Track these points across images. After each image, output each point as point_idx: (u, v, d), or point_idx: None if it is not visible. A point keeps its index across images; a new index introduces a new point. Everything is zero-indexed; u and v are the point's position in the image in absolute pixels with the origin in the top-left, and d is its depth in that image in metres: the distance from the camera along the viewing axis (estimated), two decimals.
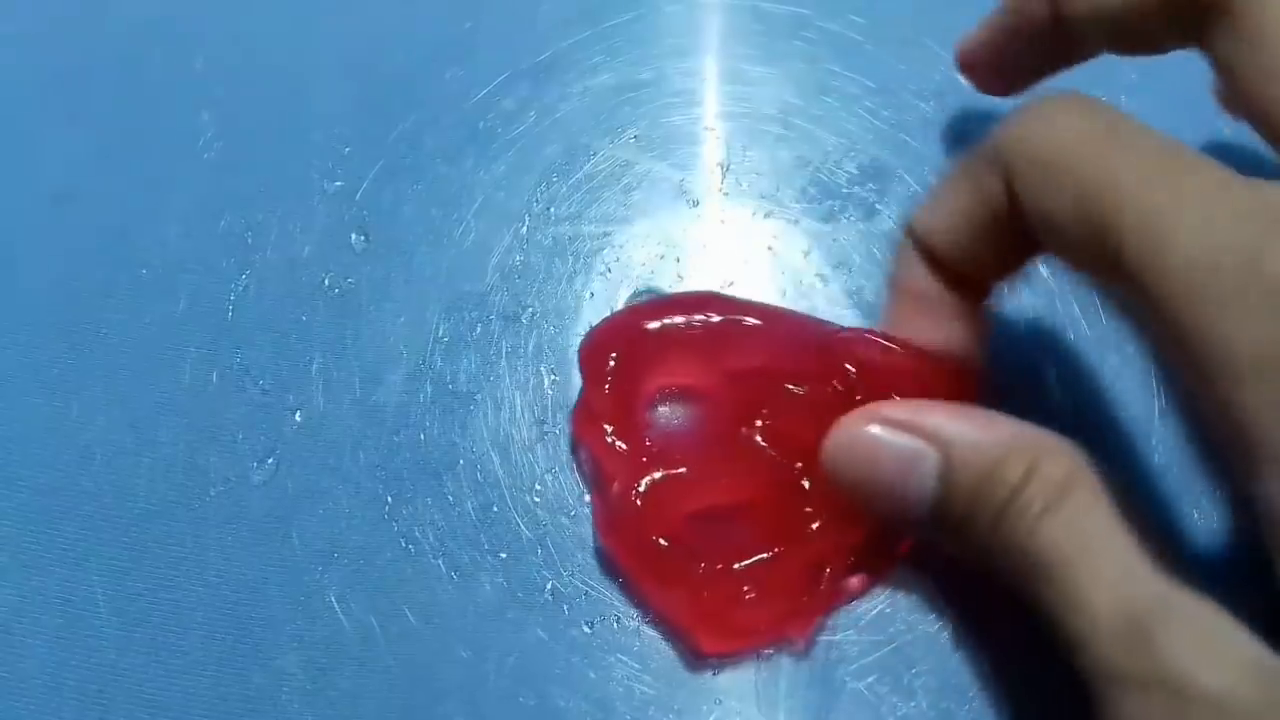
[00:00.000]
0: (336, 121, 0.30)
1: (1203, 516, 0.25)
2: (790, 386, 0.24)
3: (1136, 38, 0.23)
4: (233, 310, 0.28)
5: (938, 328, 0.23)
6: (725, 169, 0.30)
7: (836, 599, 0.25)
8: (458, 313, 0.28)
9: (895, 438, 0.22)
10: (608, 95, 0.30)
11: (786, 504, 0.24)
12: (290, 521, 0.26)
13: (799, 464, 0.24)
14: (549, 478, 0.26)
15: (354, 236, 0.29)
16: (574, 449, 0.26)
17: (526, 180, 0.29)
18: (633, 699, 0.24)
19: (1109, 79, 0.30)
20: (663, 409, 0.25)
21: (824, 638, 0.25)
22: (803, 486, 0.24)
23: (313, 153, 0.30)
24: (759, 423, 0.24)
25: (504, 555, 0.26)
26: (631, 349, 0.25)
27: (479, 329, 0.28)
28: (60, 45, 0.32)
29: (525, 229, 0.29)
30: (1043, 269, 0.28)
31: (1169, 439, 0.26)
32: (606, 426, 0.25)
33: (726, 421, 0.25)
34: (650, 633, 0.25)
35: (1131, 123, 0.20)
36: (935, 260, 0.23)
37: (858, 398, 0.23)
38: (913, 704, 0.24)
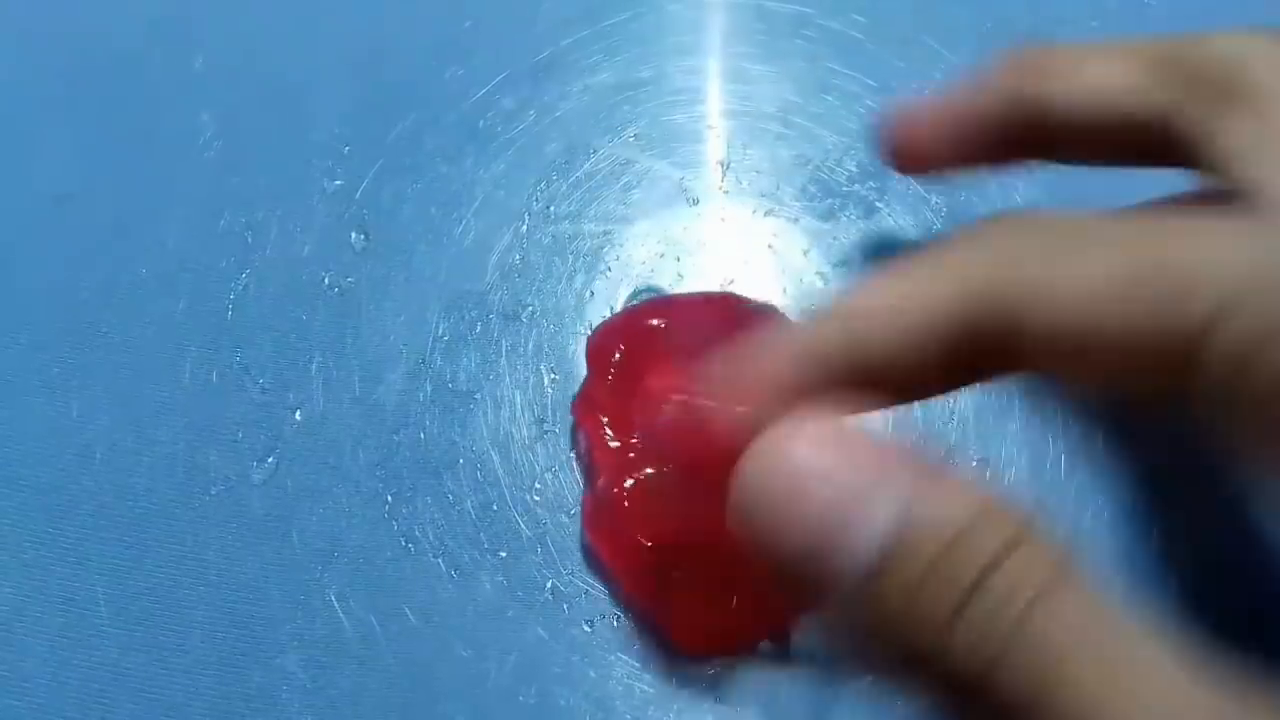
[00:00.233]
0: (336, 121, 0.30)
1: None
2: None
3: (1126, 146, 0.21)
4: (233, 310, 0.28)
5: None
6: (725, 167, 0.30)
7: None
8: (457, 311, 0.28)
9: (832, 468, 0.15)
10: (607, 94, 0.30)
11: None
12: (290, 520, 0.26)
13: None
14: (549, 476, 0.26)
15: (354, 235, 0.29)
16: (573, 438, 0.26)
17: (526, 179, 0.29)
18: (633, 698, 0.24)
19: None
20: (662, 410, 0.25)
21: (824, 638, 0.24)
22: None
23: (313, 152, 0.30)
24: None
25: (504, 554, 0.26)
26: (638, 346, 0.25)
27: (479, 328, 0.28)
28: (60, 45, 0.32)
29: (525, 228, 0.29)
30: None
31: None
32: (603, 418, 0.25)
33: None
34: (650, 632, 0.25)
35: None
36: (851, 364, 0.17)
37: None
38: (914, 703, 0.24)
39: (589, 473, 0.26)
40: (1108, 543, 0.25)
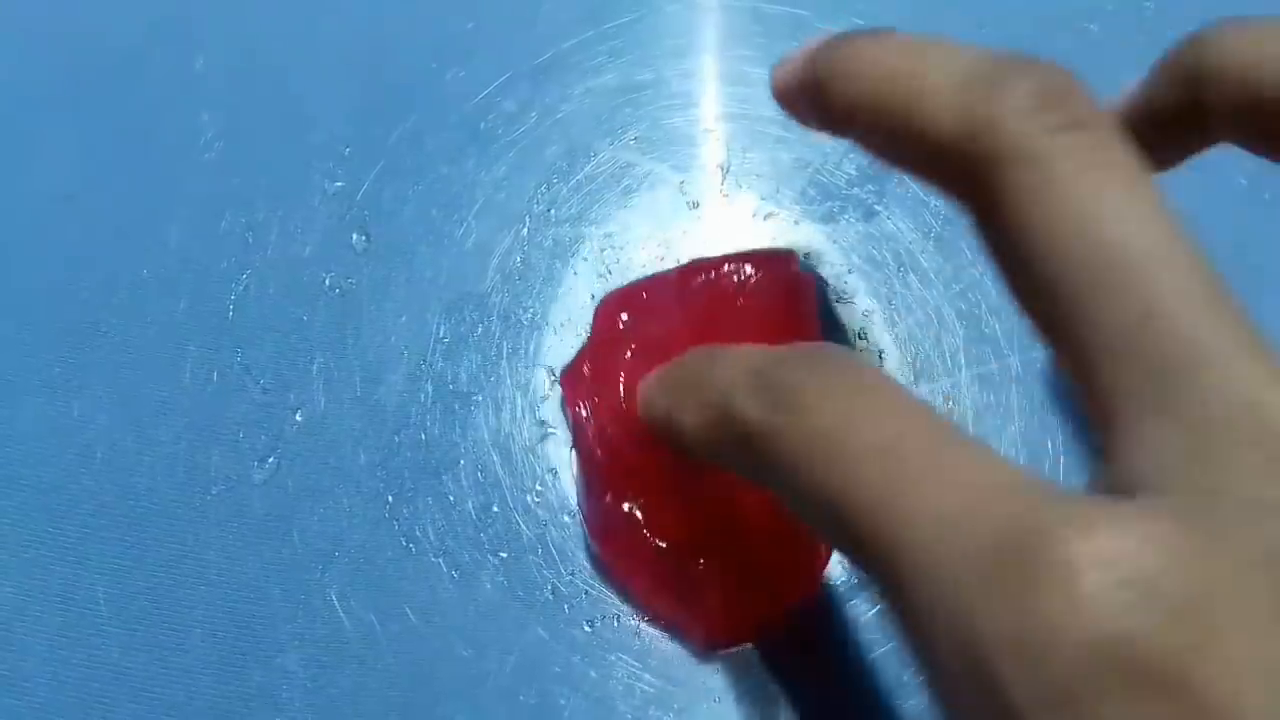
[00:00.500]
0: (337, 122, 0.30)
1: None
2: None
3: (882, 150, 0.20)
4: (233, 310, 0.28)
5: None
6: (725, 170, 0.30)
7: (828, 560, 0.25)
8: (458, 313, 0.28)
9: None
10: (608, 97, 0.30)
11: (767, 496, 0.24)
12: (291, 520, 0.26)
13: None
14: (549, 478, 0.26)
15: (355, 237, 0.29)
16: (563, 408, 0.27)
17: (527, 181, 0.29)
18: (633, 697, 0.24)
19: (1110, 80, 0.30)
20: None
21: (824, 635, 0.25)
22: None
23: (313, 153, 0.30)
24: None
25: (504, 554, 0.26)
26: (644, 314, 0.26)
27: (480, 329, 0.28)
28: (61, 46, 0.32)
29: (526, 230, 0.29)
30: None
31: None
32: (591, 400, 0.25)
33: None
34: (650, 631, 0.25)
35: None
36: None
37: None
38: (912, 702, 0.24)
39: (584, 476, 0.26)
40: None
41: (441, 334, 0.28)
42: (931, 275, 0.28)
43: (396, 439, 0.27)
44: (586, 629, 0.25)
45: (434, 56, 0.31)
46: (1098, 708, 0.12)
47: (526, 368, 0.27)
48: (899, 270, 0.28)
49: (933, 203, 0.29)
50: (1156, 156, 0.21)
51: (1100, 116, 0.16)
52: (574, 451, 0.26)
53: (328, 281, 0.28)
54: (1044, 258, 0.16)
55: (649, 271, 0.28)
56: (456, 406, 0.27)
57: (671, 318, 0.25)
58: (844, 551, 0.17)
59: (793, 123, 0.30)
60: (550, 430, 0.27)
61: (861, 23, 0.31)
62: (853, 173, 0.29)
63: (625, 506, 0.24)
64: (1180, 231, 0.15)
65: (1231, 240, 0.26)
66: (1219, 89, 0.19)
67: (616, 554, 0.25)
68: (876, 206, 0.29)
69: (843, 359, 0.18)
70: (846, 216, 0.29)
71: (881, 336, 0.28)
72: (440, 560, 0.26)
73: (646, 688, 0.24)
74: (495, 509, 0.26)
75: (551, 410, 0.27)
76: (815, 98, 0.20)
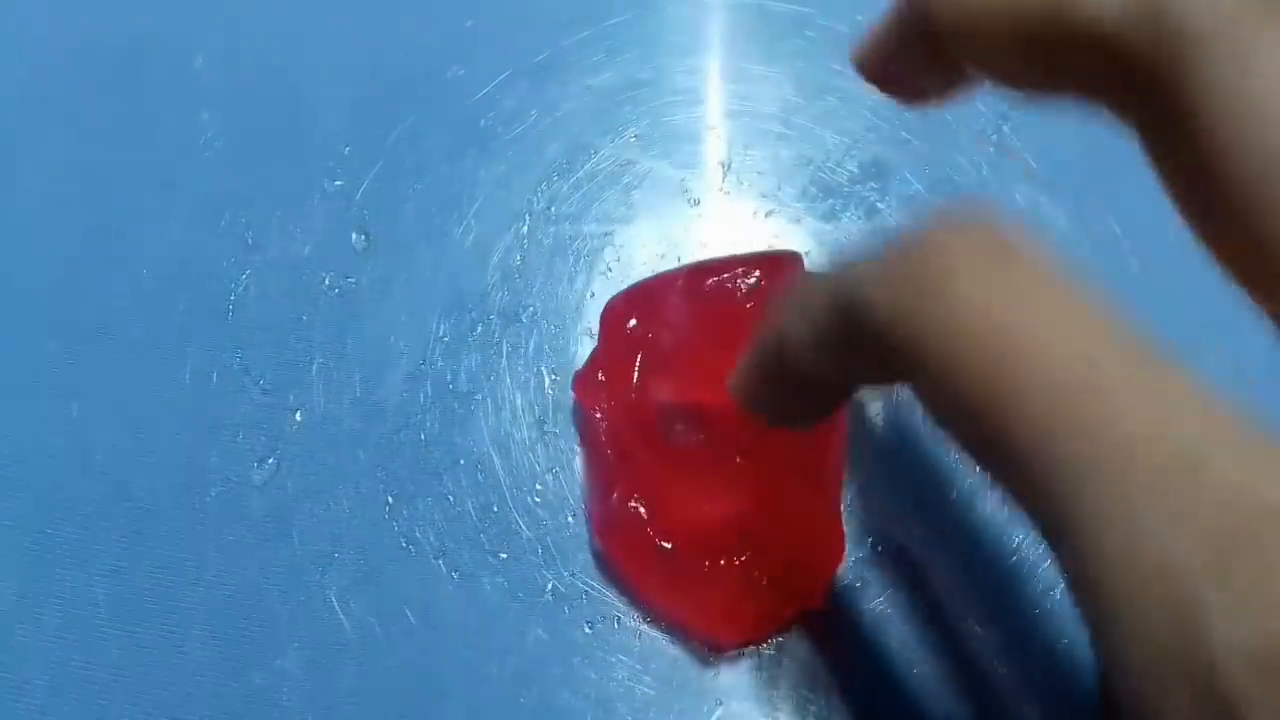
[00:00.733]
0: (337, 121, 0.30)
1: None
2: None
3: (1020, 75, 0.17)
4: (233, 310, 0.28)
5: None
6: (726, 168, 0.29)
7: (837, 562, 0.25)
8: (458, 312, 0.28)
9: None
10: (609, 94, 0.30)
11: (777, 499, 0.24)
12: (291, 521, 0.26)
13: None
14: (549, 478, 0.26)
15: (354, 236, 0.29)
16: (574, 414, 0.26)
17: (527, 179, 0.29)
18: (633, 699, 0.24)
19: None
20: (670, 402, 0.25)
21: (826, 637, 0.24)
22: (785, 486, 0.24)
23: (313, 152, 0.30)
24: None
25: (504, 555, 0.26)
26: (653, 316, 0.25)
27: (479, 328, 0.28)
28: (61, 46, 0.32)
29: (526, 228, 0.29)
30: None
31: None
32: (605, 404, 0.25)
33: (722, 427, 0.25)
34: (651, 633, 0.25)
35: None
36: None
37: None
38: (913, 702, 0.24)
39: (592, 475, 0.25)
40: None
41: (441, 333, 0.28)
42: None
43: (396, 439, 0.27)
44: (587, 630, 0.25)
45: (434, 55, 0.31)
46: None
47: (526, 367, 0.27)
48: None
49: (935, 200, 0.29)
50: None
51: None
52: (582, 452, 0.26)
53: (328, 281, 0.28)
54: (1257, 160, 0.13)
55: (650, 269, 0.28)
56: (456, 406, 0.27)
57: (681, 321, 0.25)
58: (1001, 481, 0.13)
59: (794, 120, 0.30)
60: (550, 430, 0.27)
61: (865, 20, 0.31)
62: (854, 170, 0.29)
63: (632, 506, 0.24)
64: None
65: None
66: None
67: (621, 552, 0.25)
68: (879, 204, 0.29)
69: (997, 233, 0.14)
70: (848, 214, 0.29)
71: None
72: (440, 561, 0.25)
73: (647, 689, 0.24)
74: (495, 509, 0.26)
75: (552, 410, 0.27)
76: (926, 30, 0.17)
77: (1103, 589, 0.12)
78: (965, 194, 0.29)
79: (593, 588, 0.25)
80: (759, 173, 0.29)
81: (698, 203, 0.29)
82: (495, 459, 0.26)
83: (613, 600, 0.25)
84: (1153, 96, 0.14)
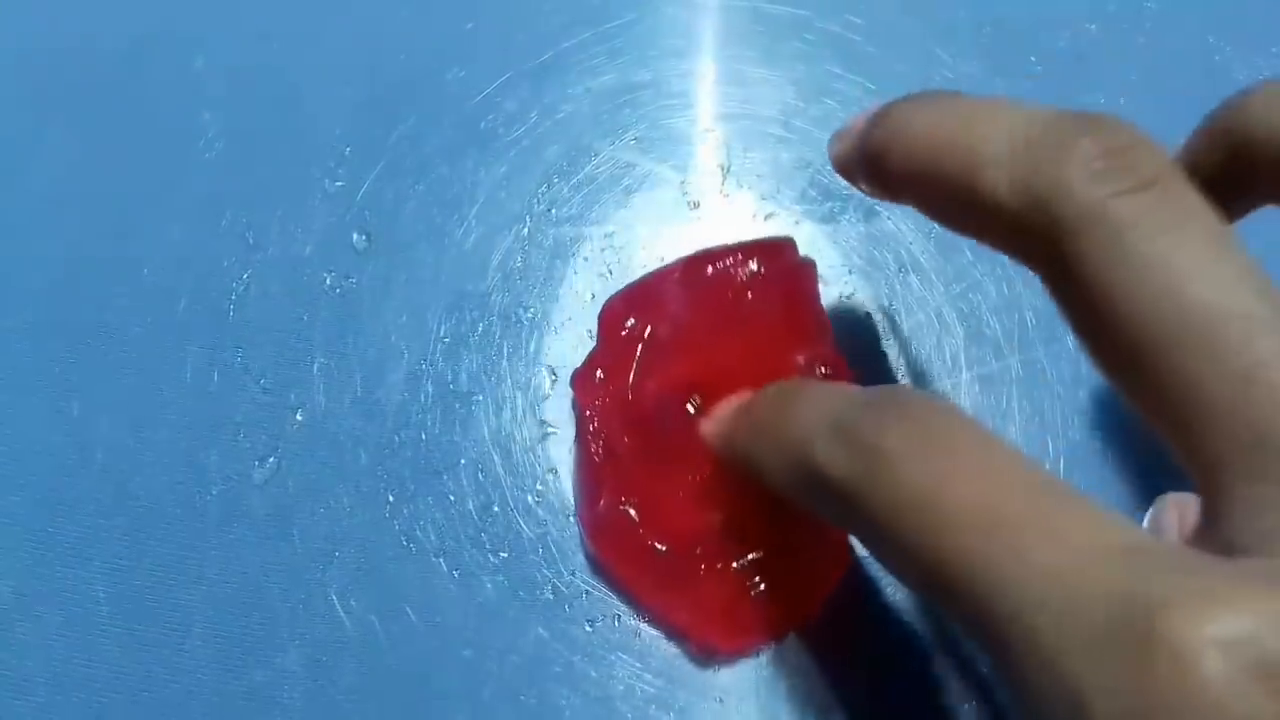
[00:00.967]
0: (338, 121, 0.30)
1: None
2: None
3: (951, 224, 0.19)
4: (234, 310, 0.28)
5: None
6: (725, 171, 0.30)
7: (839, 576, 0.25)
8: (459, 313, 0.28)
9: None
10: (609, 97, 0.30)
11: (780, 504, 0.24)
12: (291, 520, 0.26)
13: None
14: (549, 478, 0.26)
15: (355, 236, 0.29)
16: (573, 407, 0.27)
17: (528, 181, 0.29)
18: (634, 698, 0.24)
19: (1109, 80, 0.30)
20: (670, 393, 0.25)
21: (826, 638, 0.25)
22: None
23: (314, 152, 0.30)
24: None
25: (505, 554, 0.26)
26: (651, 314, 0.26)
27: (480, 329, 0.28)
28: (61, 45, 0.32)
29: (526, 230, 0.29)
30: None
31: None
32: (602, 401, 0.25)
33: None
34: (651, 631, 0.25)
35: None
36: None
37: None
38: (913, 703, 0.24)
39: (583, 477, 0.26)
40: None
41: (442, 333, 0.28)
42: (932, 276, 0.28)
43: (397, 439, 0.27)
44: (587, 629, 0.25)
45: (434, 56, 0.31)
46: None
47: (527, 367, 0.27)
48: (899, 271, 0.28)
49: None
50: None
51: (1170, 170, 0.16)
52: (575, 452, 0.26)
53: (328, 281, 0.28)
54: (1129, 324, 0.15)
55: (649, 271, 0.28)
56: (457, 406, 0.27)
57: (679, 315, 0.25)
58: (944, 610, 0.16)
59: (793, 122, 0.30)
60: (551, 430, 0.27)
61: (861, 22, 0.31)
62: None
63: (623, 507, 0.24)
64: (1268, 285, 0.15)
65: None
66: (1266, 151, 0.18)
67: (614, 555, 0.25)
68: (877, 207, 0.29)
69: (925, 406, 0.17)
70: (847, 217, 0.29)
71: (882, 337, 0.28)
72: (441, 560, 0.26)
73: (647, 688, 0.24)
74: (496, 509, 0.26)
75: (552, 410, 0.27)
76: (872, 169, 0.20)
77: (1019, 685, 0.14)
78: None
79: (593, 587, 0.25)
80: (758, 175, 0.30)
81: (697, 205, 0.29)
82: (496, 459, 0.26)
83: (613, 599, 0.25)
84: (1048, 264, 0.17)
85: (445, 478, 0.26)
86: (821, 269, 0.28)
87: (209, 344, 0.28)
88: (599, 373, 0.25)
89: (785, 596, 0.24)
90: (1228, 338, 0.14)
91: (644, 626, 0.25)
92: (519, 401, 0.27)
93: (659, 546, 0.24)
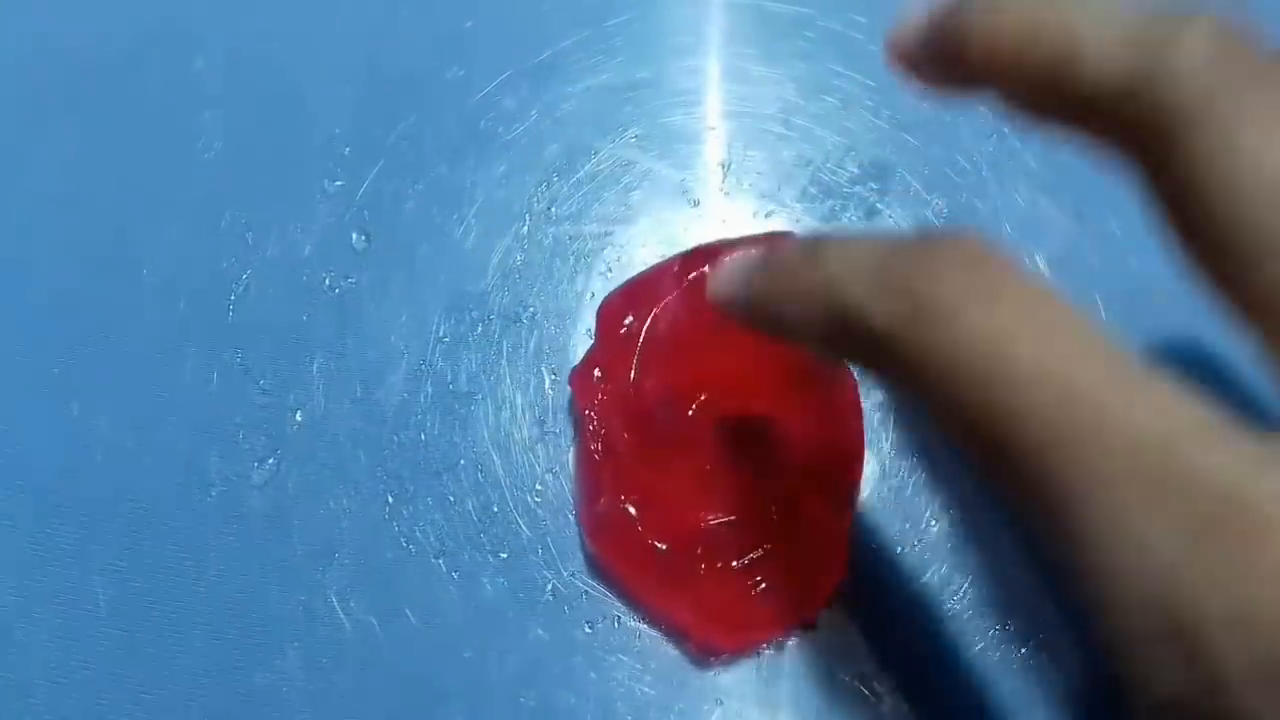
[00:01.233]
0: (337, 121, 0.30)
1: None
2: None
3: (1036, 112, 0.18)
4: (233, 310, 0.28)
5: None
6: (726, 168, 0.30)
7: (840, 576, 0.25)
8: (458, 312, 0.28)
9: None
10: (609, 95, 0.30)
11: (782, 505, 0.24)
12: (291, 521, 0.26)
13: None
14: (549, 478, 0.26)
15: (355, 236, 0.29)
16: (570, 406, 0.27)
17: (527, 180, 0.29)
18: (634, 699, 0.24)
19: None
20: (670, 389, 0.25)
21: (826, 636, 0.24)
22: (781, 485, 0.24)
23: (313, 153, 0.30)
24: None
25: (504, 555, 0.26)
26: (645, 315, 0.26)
27: (480, 329, 0.28)
28: (61, 46, 0.32)
29: (526, 229, 0.29)
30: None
31: None
32: (600, 399, 0.25)
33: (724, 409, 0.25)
34: (651, 633, 0.25)
35: None
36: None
37: None
38: (914, 703, 0.24)
39: (582, 476, 0.25)
40: None
41: (442, 333, 0.28)
42: None
43: (396, 439, 0.27)
44: (587, 630, 0.25)
45: (434, 55, 0.31)
46: None
47: (527, 367, 0.27)
48: None
49: (934, 201, 0.29)
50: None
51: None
52: (574, 450, 0.26)
53: (328, 281, 0.28)
54: (1242, 224, 0.15)
55: (648, 268, 0.28)
56: (456, 406, 0.27)
57: (677, 312, 0.25)
58: (997, 483, 0.15)
59: (794, 120, 0.30)
60: (550, 430, 0.27)
61: (864, 20, 0.31)
62: (854, 171, 0.29)
63: (623, 505, 0.24)
64: None
65: None
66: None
67: (613, 553, 0.25)
68: (878, 205, 0.29)
69: (986, 252, 0.15)
70: (848, 214, 0.29)
71: None
72: (440, 561, 0.25)
73: (647, 689, 0.24)
74: (495, 509, 0.26)
75: (552, 410, 0.27)
76: (949, 54, 0.18)
77: (1095, 571, 0.13)
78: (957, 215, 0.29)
79: (593, 587, 0.25)
80: (759, 173, 0.29)
81: (698, 203, 0.29)
82: (495, 459, 0.26)
83: (613, 600, 0.25)
84: (1149, 154, 0.16)
85: (445, 478, 0.26)
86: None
87: (209, 344, 0.28)
88: (597, 371, 0.25)
89: (785, 595, 0.24)
90: None
91: (644, 628, 0.25)
92: (519, 401, 0.27)
93: (659, 545, 0.24)
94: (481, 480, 0.26)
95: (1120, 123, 0.16)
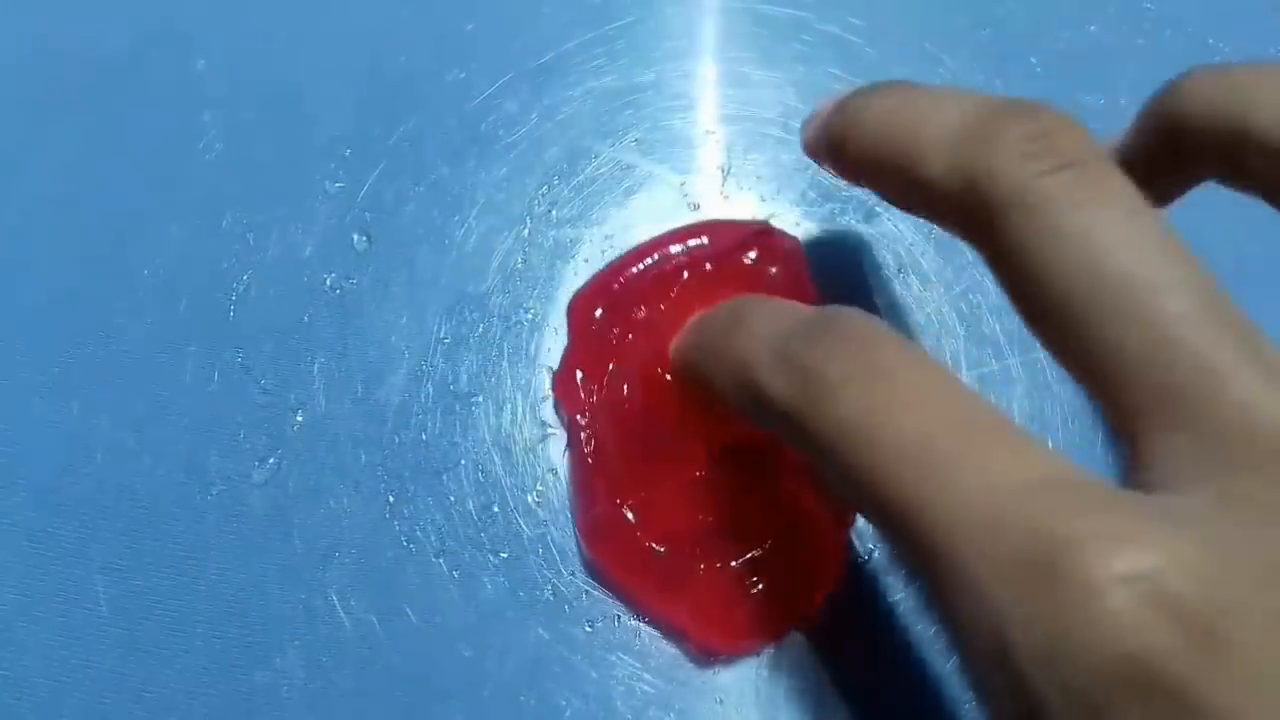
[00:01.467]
0: (338, 123, 0.30)
1: None
2: None
3: (899, 202, 0.21)
4: (234, 310, 0.28)
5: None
6: (726, 172, 0.30)
7: (838, 575, 0.25)
8: (459, 314, 0.28)
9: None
10: (609, 98, 0.30)
11: (768, 502, 0.24)
12: (291, 521, 0.26)
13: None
14: (550, 478, 0.26)
15: (355, 237, 0.29)
16: (556, 409, 0.27)
17: (528, 182, 0.29)
18: (634, 698, 0.24)
19: (1109, 80, 0.30)
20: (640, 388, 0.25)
21: (826, 637, 0.25)
22: (778, 481, 0.24)
23: (314, 153, 0.30)
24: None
25: (505, 555, 0.26)
26: (619, 302, 0.26)
27: (480, 330, 0.28)
28: (61, 46, 0.32)
29: (527, 231, 0.29)
30: None
31: None
32: (589, 401, 0.25)
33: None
34: (651, 632, 0.25)
35: None
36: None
37: None
38: (914, 702, 0.24)
39: (576, 482, 0.26)
40: None
41: (442, 334, 0.28)
42: (932, 277, 0.28)
43: (397, 439, 0.27)
44: (587, 629, 0.25)
45: (435, 58, 0.31)
46: (1118, 718, 0.13)
47: (527, 368, 0.27)
48: (899, 272, 0.28)
49: None
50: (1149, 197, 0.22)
51: (1092, 152, 0.17)
52: (567, 456, 0.26)
53: (328, 282, 0.28)
54: (1054, 293, 0.16)
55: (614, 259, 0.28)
56: (457, 407, 0.27)
57: (650, 301, 0.26)
58: (888, 542, 0.17)
59: (793, 124, 0.30)
60: (551, 430, 0.27)
61: (861, 24, 0.31)
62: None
63: (621, 509, 0.24)
64: (1182, 253, 0.16)
65: (1230, 248, 0.26)
66: (1195, 128, 0.20)
67: (610, 558, 0.25)
68: (877, 208, 0.29)
69: (866, 332, 0.18)
70: (847, 218, 0.29)
71: None
72: (441, 560, 0.26)
73: (647, 688, 0.24)
74: (496, 509, 0.26)
75: (552, 411, 0.27)
76: (833, 154, 0.21)
77: (950, 618, 0.15)
78: None
79: (593, 587, 0.25)
80: (758, 177, 0.30)
81: (697, 207, 0.29)
82: (496, 459, 0.27)
83: (613, 600, 0.25)
84: (985, 242, 0.18)
85: (445, 478, 0.26)
86: (821, 269, 0.28)
87: (209, 344, 0.28)
88: (579, 373, 0.25)
89: (784, 596, 0.24)
90: (1137, 305, 0.16)
91: (644, 627, 0.25)
92: (519, 402, 0.27)
93: (657, 548, 0.24)
94: (482, 480, 0.26)
95: (959, 214, 0.18)
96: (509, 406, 0.27)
